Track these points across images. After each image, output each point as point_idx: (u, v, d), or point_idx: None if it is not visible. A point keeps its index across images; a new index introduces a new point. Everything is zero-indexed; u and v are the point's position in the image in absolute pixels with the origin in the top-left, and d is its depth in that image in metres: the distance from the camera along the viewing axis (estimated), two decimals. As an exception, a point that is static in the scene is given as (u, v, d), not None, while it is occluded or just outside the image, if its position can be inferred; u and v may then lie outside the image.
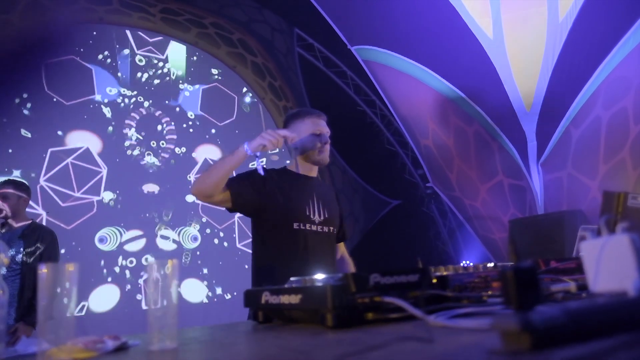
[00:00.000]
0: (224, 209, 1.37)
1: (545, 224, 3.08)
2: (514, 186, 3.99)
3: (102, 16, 4.14)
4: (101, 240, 3.73)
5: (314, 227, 1.39)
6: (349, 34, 4.27)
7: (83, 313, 3.47)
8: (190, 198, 4.11)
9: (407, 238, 4.76)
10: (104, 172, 3.87)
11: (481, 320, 0.45)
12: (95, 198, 3.78)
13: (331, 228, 1.45)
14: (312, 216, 1.40)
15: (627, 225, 0.49)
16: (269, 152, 1.52)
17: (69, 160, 3.75)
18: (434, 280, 0.66)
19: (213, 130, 4.48)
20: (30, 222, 2.15)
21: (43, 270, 0.53)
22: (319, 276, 0.75)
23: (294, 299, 0.68)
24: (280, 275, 1.30)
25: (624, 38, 3.00)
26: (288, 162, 1.55)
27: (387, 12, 3.77)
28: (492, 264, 0.83)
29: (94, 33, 4.08)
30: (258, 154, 1.27)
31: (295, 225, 1.36)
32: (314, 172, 1.50)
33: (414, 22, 3.73)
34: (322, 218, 1.42)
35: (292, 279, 0.80)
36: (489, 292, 0.67)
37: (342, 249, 1.63)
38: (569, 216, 2.99)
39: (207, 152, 4.37)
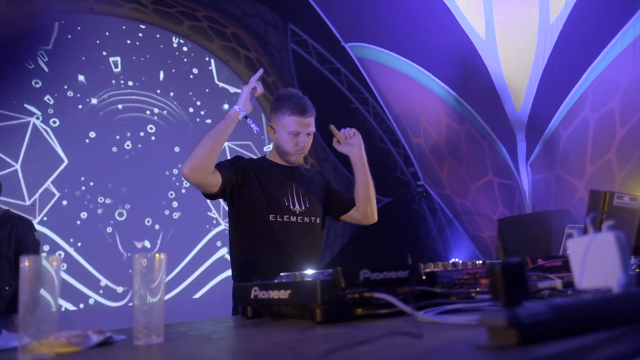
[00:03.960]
0: (204, 198, 1.32)
1: (533, 223, 3.13)
2: (503, 185, 4.05)
3: (93, 6, 4.06)
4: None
5: (293, 218, 1.33)
6: (343, 30, 4.26)
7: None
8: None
9: (398, 235, 4.79)
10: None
11: (469, 316, 0.46)
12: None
13: (313, 218, 1.38)
14: (291, 207, 1.34)
15: (612, 224, 0.50)
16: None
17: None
18: (424, 277, 0.66)
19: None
20: (4, 211, 2.13)
21: (25, 263, 0.52)
22: (309, 271, 0.74)
23: (284, 294, 0.68)
24: (260, 269, 1.26)
25: (612, 41, 3.06)
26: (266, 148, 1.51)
27: (381, 10, 3.77)
28: (480, 262, 0.84)
29: (83, 21, 4.00)
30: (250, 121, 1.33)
31: (271, 217, 1.30)
32: None
33: (408, 20, 3.74)
34: (302, 208, 1.36)
35: (282, 274, 0.80)
36: (477, 289, 0.68)
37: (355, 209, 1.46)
38: (557, 216, 3.04)
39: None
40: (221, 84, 4.59)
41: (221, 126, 1.25)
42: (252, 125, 1.34)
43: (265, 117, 4.78)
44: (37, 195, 3.51)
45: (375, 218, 1.47)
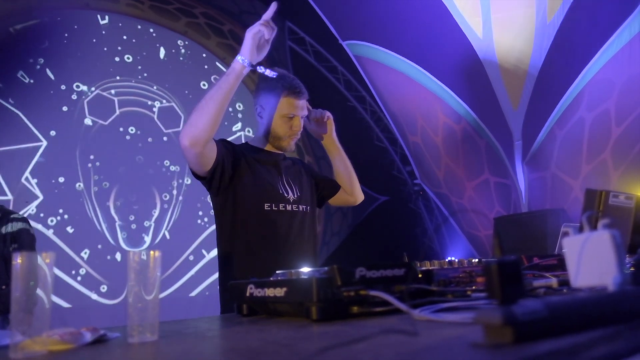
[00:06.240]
0: (202, 194, 1.26)
1: (529, 222, 3.14)
2: (499, 184, 4.06)
3: (89, 2, 4.03)
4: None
5: (289, 207, 1.22)
6: (340, 28, 4.25)
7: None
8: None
9: (394, 233, 4.80)
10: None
11: (465, 314, 0.46)
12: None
13: (305, 207, 1.28)
14: (285, 194, 1.23)
15: (608, 222, 0.50)
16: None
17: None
18: (420, 275, 0.66)
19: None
20: None
21: (17, 260, 0.51)
22: (305, 269, 0.74)
23: (279, 291, 0.67)
24: (255, 264, 1.15)
25: (608, 41, 3.07)
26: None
27: (379, 8, 3.77)
28: (476, 260, 0.84)
29: (79, 16, 3.96)
30: (261, 69, 1.08)
31: (266, 207, 1.19)
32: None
33: (406, 19, 3.74)
34: (295, 196, 1.26)
35: (277, 272, 0.79)
36: (473, 287, 0.68)
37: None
38: (552, 214, 3.06)
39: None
40: (221, 67, 4.57)
41: (223, 83, 1.06)
42: (265, 73, 1.11)
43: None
44: (18, 189, 3.46)
45: (362, 196, 1.47)
